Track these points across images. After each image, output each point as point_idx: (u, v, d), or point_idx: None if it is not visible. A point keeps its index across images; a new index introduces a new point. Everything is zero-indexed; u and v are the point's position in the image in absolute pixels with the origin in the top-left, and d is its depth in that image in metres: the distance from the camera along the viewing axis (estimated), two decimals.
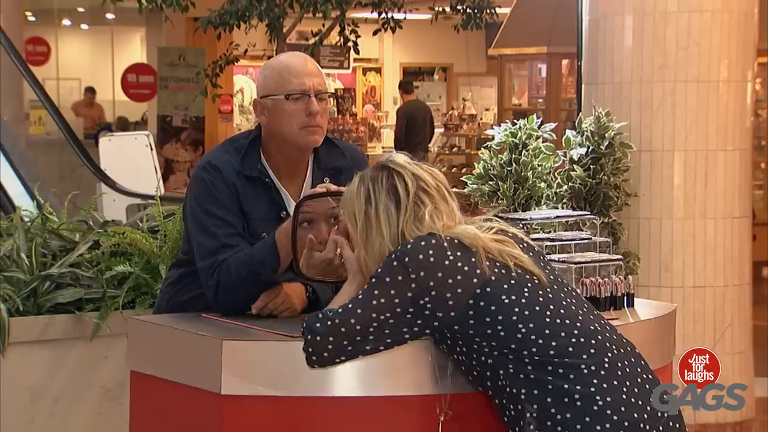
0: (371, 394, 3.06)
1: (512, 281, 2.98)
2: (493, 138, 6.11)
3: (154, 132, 13.80)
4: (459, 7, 9.73)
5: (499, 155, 6.04)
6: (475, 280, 2.96)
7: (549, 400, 2.89)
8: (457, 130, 16.44)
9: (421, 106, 16.36)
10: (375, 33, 9.89)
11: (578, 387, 2.88)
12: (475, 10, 9.71)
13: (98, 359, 4.69)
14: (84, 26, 21.54)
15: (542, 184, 6.00)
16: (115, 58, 17.77)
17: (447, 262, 2.97)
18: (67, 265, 4.70)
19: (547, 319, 2.95)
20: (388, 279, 2.96)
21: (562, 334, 2.93)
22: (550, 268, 3.09)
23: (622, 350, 2.98)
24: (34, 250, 4.72)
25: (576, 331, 2.95)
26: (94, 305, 4.67)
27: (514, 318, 2.94)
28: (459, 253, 2.98)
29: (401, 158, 3.13)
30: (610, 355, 2.94)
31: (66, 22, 20.45)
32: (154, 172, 8.64)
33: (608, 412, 2.87)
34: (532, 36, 13.84)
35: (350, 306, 2.98)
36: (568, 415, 2.88)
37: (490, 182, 5.99)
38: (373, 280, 2.98)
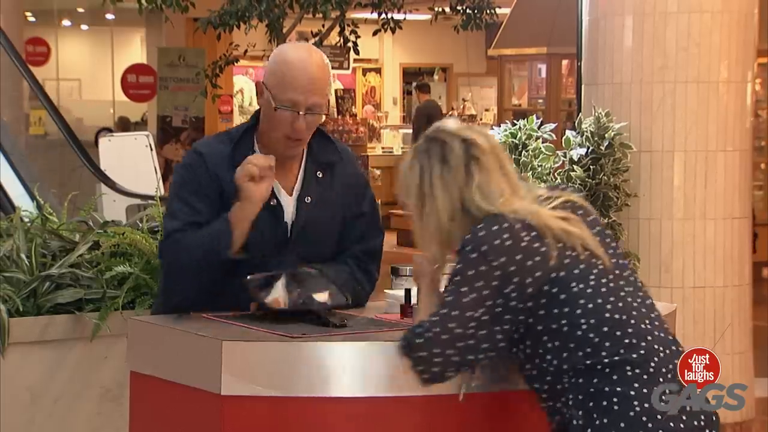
0: (371, 394, 3.06)
1: (581, 266, 2.92)
2: None
3: (153, 132, 13.80)
4: (459, 8, 9.75)
5: None
6: (551, 263, 2.90)
7: (591, 404, 2.86)
8: None
9: (436, 105, 16.70)
10: (375, 33, 9.90)
11: (619, 388, 2.85)
12: (475, 11, 9.72)
13: (98, 360, 4.69)
14: (84, 27, 21.55)
15: (542, 185, 6.00)
16: (114, 59, 17.78)
17: (523, 244, 2.90)
18: (67, 266, 4.70)
19: (607, 314, 2.90)
20: (471, 272, 2.88)
21: (617, 333, 2.89)
22: (613, 246, 3.02)
23: (668, 351, 2.94)
24: (33, 251, 4.72)
25: (630, 330, 2.90)
26: (94, 306, 4.66)
27: (579, 311, 2.89)
28: (533, 234, 2.91)
29: (452, 124, 3.06)
30: (656, 359, 2.91)
31: (66, 22, 20.46)
32: (154, 173, 8.63)
33: (644, 419, 2.84)
34: (532, 36, 13.84)
35: (444, 311, 2.89)
36: (605, 420, 2.85)
37: None
38: (457, 277, 2.89)
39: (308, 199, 3.50)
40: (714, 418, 2.95)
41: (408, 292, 3.38)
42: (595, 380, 2.87)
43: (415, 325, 2.95)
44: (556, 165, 6.12)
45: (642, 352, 2.90)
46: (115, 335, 4.54)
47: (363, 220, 3.65)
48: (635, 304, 2.97)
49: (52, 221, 5.09)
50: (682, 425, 2.88)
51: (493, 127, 6.53)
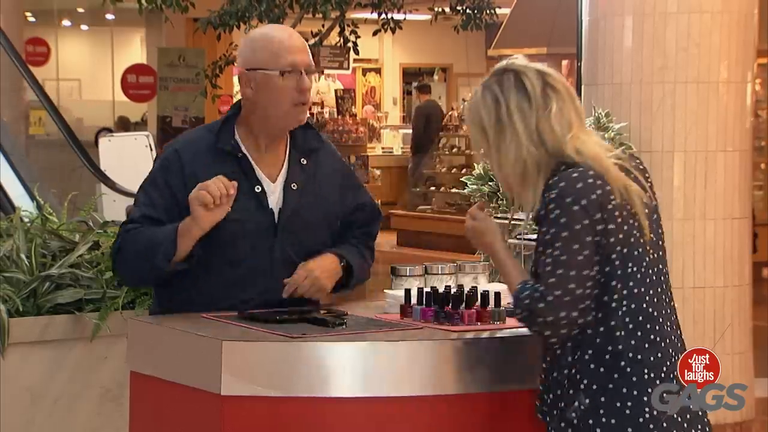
0: (371, 394, 3.06)
1: (640, 249, 2.91)
2: None
3: (153, 132, 13.79)
4: (459, 8, 9.75)
5: None
6: (620, 236, 2.88)
7: (603, 400, 2.87)
8: (456, 131, 16.45)
9: (436, 105, 16.92)
10: (375, 33, 9.90)
11: (635, 392, 2.87)
12: (475, 11, 9.72)
13: (98, 360, 4.69)
14: (84, 27, 21.55)
15: None
16: (114, 59, 17.78)
17: (610, 207, 2.89)
18: (67, 266, 4.70)
19: (644, 305, 2.90)
20: (578, 227, 2.85)
21: (648, 326, 2.90)
22: (662, 239, 3.01)
23: (678, 357, 2.95)
24: (33, 251, 4.72)
25: (657, 327, 2.92)
26: (94, 306, 4.66)
27: (625, 292, 2.89)
28: (618, 201, 2.89)
29: (521, 59, 3.04)
30: (669, 363, 2.93)
31: (66, 22, 20.45)
32: None
33: (651, 426, 2.86)
34: (531, 37, 13.84)
35: (560, 272, 2.84)
36: (613, 421, 2.86)
37: (490, 183, 5.99)
38: (564, 233, 2.84)
39: (294, 186, 3.54)
40: (708, 429, 2.98)
41: (408, 292, 3.38)
42: (616, 375, 2.87)
43: (526, 287, 2.90)
44: None
45: (659, 354, 2.92)
46: (115, 335, 4.54)
47: (364, 213, 3.72)
48: (663, 304, 2.98)
49: (52, 221, 5.08)
50: None
51: None
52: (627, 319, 2.89)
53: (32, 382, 4.60)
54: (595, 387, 2.88)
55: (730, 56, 6.36)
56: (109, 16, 18.10)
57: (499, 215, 5.23)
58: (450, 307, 3.25)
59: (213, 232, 3.42)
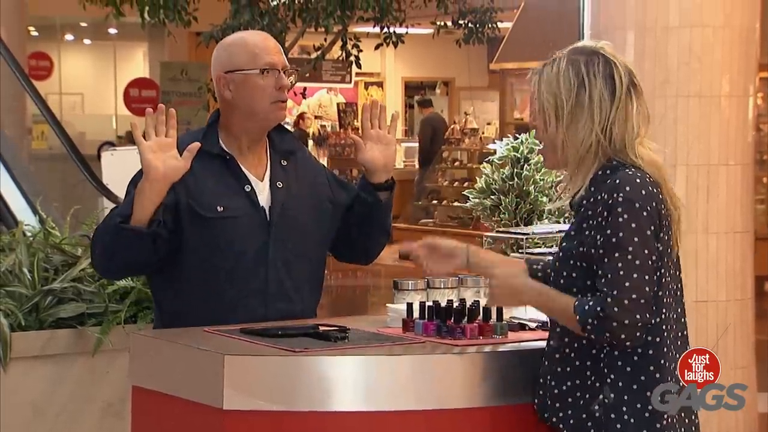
0: (373, 409, 3.06)
1: (671, 261, 2.94)
2: (494, 152, 6.12)
3: None
4: (461, 22, 9.78)
5: (501, 169, 6.04)
6: (664, 246, 2.92)
7: (626, 398, 2.89)
8: (458, 144, 16.49)
9: (440, 118, 17.31)
10: (377, 47, 9.93)
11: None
12: (477, 25, 9.76)
13: (100, 374, 4.69)
14: (87, 41, 21.60)
15: (544, 199, 6.00)
16: (117, 73, 17.84)
17: (662, 215, 2.92)
18: (69, 280, 4.71)
19: (671, 314, 2.94)
20: (648, 232, 2.87)
21: (673, 336, 2.95)
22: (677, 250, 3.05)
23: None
24: (36, 265, 4.72)
25: (673, 335, 2.96)
26: (96, 320, 4.67)
27: (660, 299, 2.92)
28: (666, 212, 2.93)
29: (609, 46, 3.02)
30: (672, 365, 2.97)
31: (69, 36, 20.51)
32: None
33: None
34: (533, 50, 13.84)
35: (636, 276, 2.84)
36: (632, 421, 2.89)
37: (492, 196, 5.99)
38: (636, 238, 2.85)
39: (280, 184, 3.61)
40: None
41: (410, 306, 3.38)
42: (643, 378, 2.90)
43: (588, 299, 2.88)
44: (558, 179, 6.11)
45: (662, 361, 2.95)
46: (117, 350, 4.55)
47: (351, 192, 3.77)
48: (683, 318, 3.04)
49: (55, 235, 5.09)
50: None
51: (495, 140, 6.53)
52: (658, 326, 2.92)
53: (34, 397, 4.60)
54: (621, 384, 2.91)
55: (732, 70, 6.36)
56: (112, 31, 18.16)
57: (501, 229, 5.22)
58: (452, 321, 3.25)
59: (208, 233, 3.47)
